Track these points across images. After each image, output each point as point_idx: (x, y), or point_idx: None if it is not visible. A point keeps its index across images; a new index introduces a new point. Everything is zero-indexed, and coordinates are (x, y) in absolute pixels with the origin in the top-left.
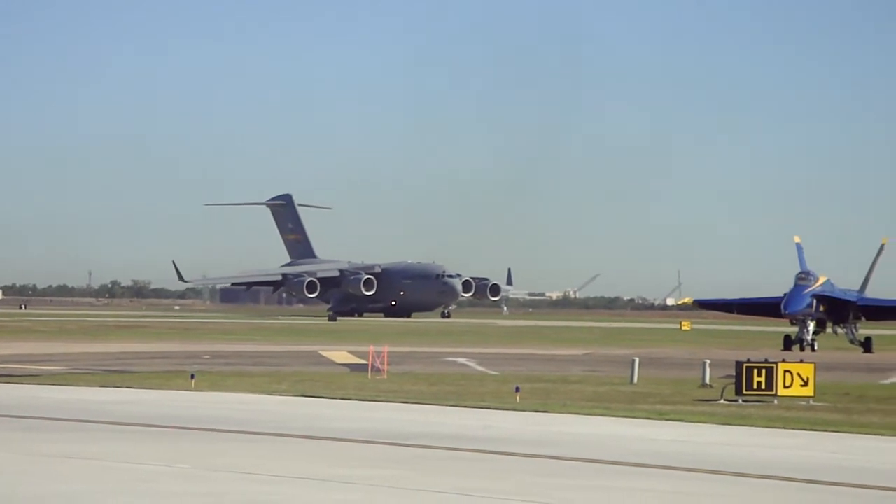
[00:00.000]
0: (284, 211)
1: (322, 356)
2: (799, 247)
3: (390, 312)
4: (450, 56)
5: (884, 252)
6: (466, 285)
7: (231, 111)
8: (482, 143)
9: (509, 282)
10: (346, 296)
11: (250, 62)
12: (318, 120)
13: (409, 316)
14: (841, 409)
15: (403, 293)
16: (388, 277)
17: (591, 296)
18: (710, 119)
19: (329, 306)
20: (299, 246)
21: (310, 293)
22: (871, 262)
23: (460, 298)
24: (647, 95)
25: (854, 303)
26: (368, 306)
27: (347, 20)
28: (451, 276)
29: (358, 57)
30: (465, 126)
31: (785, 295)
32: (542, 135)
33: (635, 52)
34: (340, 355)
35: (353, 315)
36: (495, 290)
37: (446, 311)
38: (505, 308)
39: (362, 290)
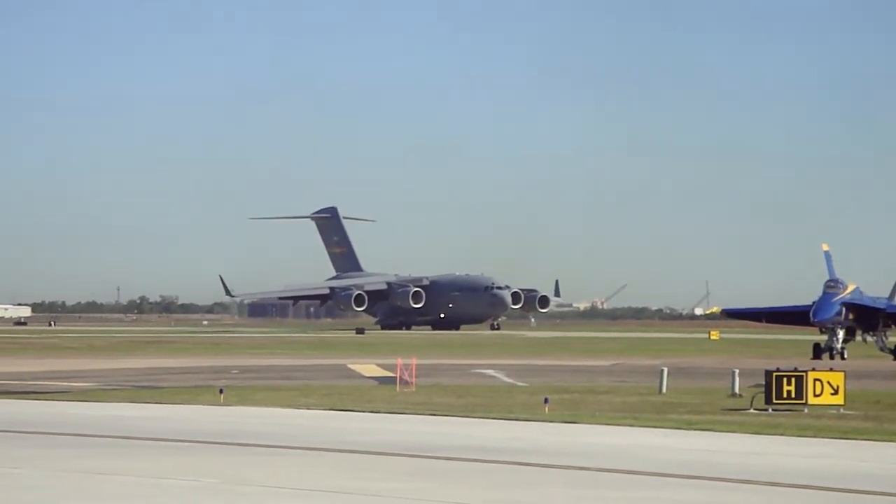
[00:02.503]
0: (330, 224)
1: (350, 369)
2: (827, 255)
3: (439, 325)
4: (488, 67)
5: None
6: (515, 297)
7: (275, 123)
8: (515, 154)
9: (557, 293)
10: (393, 308)
11: (294, 73)
12: (363, 132)
13: (457, 328)
14: (871, 418)
15: (452, 305)
16: (436, 290)
17: (619, 306)
18: (736, 126)
19: (376, 319)
20: (345, 259)
21: (358, 306)
22: None
23: (509, 310)
24: (671, 100)
25: (883, 310)
26: (417, 319)
27: (390, 33)
28: (500, 288)
29: (401, 68)
30: (501, 137)
31: (814, 303)
32: (570, 146)
33: (656, 54)
34: (369, 368)
35: (401, 328)
36: (544, 301)
37: (496, 324)
38: (532, 319)
39: (411, 302)
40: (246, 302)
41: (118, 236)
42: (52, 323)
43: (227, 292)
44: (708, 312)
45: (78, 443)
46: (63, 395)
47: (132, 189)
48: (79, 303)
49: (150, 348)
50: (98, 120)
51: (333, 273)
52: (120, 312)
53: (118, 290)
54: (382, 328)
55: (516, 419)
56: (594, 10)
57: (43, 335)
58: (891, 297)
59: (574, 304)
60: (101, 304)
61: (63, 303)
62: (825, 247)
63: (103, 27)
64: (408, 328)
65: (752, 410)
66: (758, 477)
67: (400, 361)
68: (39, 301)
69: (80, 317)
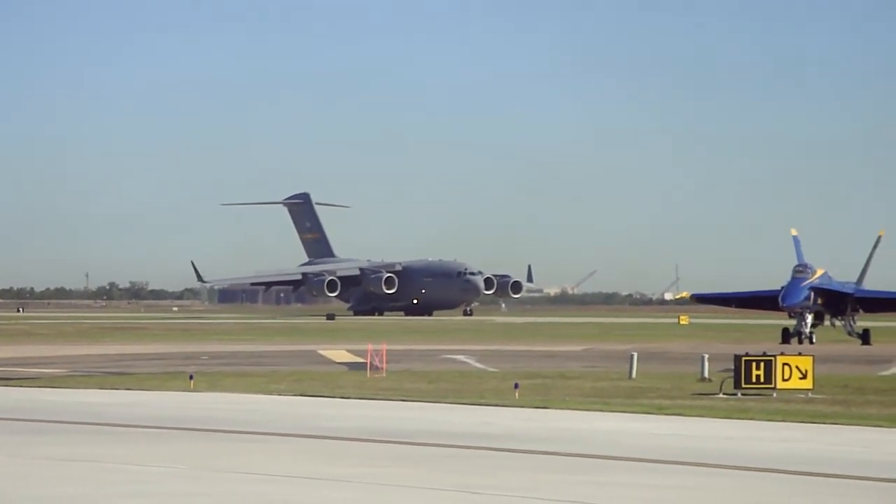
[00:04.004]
0: (302, 210)
1: (321, 355)
2: (796, 239)
3: (411, 311)
4: (461, 52)
5: (881, 244)
6: (488, 282)
7: (247, 108)
8: (487, 140)
9: (530, 278)
10: (366, 294)
11: (267, 59)
12: (335, 117)
13: (430, 314)
14: (840, 402)
15: (425, 291)
16: (408, 276)
17: (589, 292)
18: (706, 110)
19: (349, 305)
20: (317, 245)
21: (330, 292)
22: (868, 255)
23: (482, 296)
24: (642, 85)
25: (852, 295)
26: (389, 305)
27: (365, 16)
28: (472, 274)
29: (376, 53)
30: (473, 123)
31: (783, 288)
32: (538, 133)
33: (627, 40)
34: (339, 354)
35: (373, 314)
36: (517, 286)
37: (468, 309)
38: (503, 305)
39: (383, 288)
40: (217, 288)
41: (87, 222)
42: (21, 309)
43: (200, 278)
44: (677, 297)
45: (47, 429)
46: (32, 381)
47: (102, 175)
48: (47, 289)
49: (120, 334)
50: (68, 106)
51: (306, 259)
52: (89, 298)
53: (87, 276)
54: (355, 314)
55: (487, 404)
56: None
57: (11, 321)
58: (859, 282)
59: (544, 290)
60: (70, 290)
61: (32, 289)
62: (794, 231)
63: (76, 15)
64: (380, 314)
65: (721, 395)
66: (727, 461)
67: (370, 347)
68: (7, 287)
69: (48, 303)
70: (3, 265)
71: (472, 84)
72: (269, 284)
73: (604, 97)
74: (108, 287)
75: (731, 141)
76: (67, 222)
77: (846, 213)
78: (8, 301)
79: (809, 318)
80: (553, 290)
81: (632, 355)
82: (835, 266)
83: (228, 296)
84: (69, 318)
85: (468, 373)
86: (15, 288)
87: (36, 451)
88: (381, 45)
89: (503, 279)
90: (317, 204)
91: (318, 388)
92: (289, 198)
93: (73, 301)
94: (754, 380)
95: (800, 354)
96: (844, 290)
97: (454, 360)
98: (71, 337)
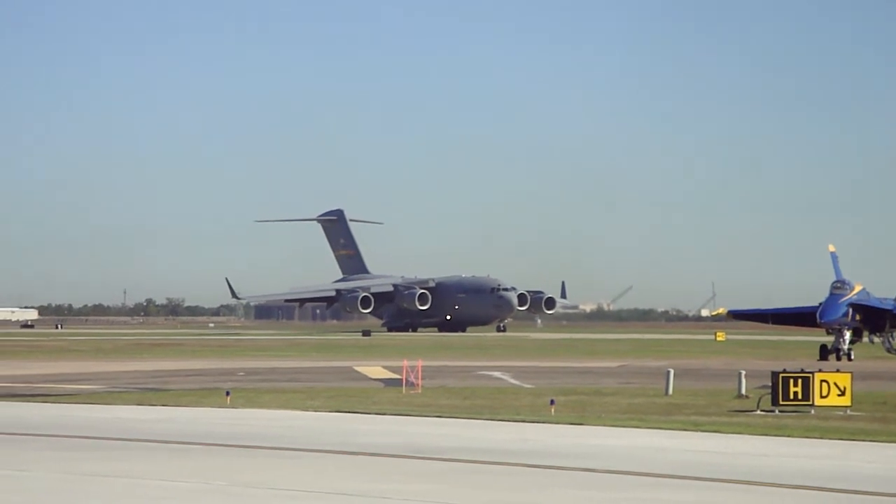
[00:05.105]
0: (336, 226)
1: (356, 371)
2: (834, 255)
3: (445, 327)
4: (493, 66)
5: None
6: (522, 298)
7: (281, 125)
8: (521, 155)
9: (563, 295)
10: (400, 311)
11: (300, 75)
12: (369, 134)
13: (464, 330)
14: (878, 419)
15: (458, 307)
16: (442, 292)
17: (625, 308)
18: (745, 127)
19: (382, 321)
20: (351, 261)
21: (364, 308)
22: None
23: (516, 312)
24: (680, 101)
25: (890, 311)
26: (423, 321)
27: (396, 34)
28: (506, 290)
29: (408, 69)
30: (506, 138)
31: (820, 304)
32: (573, 148)
33: (664, 55)
34: (374, 370)
35: (407, 330)
36: (550, 303)
37: (502, 325)
38: (539, 321)
39: (417, 304)
40: (252, 304)
41: (124, 239)
42: (59, 326)
43: (234, 295)
44: (714, 314)
45: (85, 445)
46: (70, 397)
47: (138, 192)
48: (85, 305)
49: (157, 351)
50: (103, 125)
51: (340, 275)
52: (126, 315)
53: (125, 292)
54: (389, 330)
55: (522, 421)
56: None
57: (50, 338)
58: None
59: (580, 306)
60: (108, 307)
61: (70, 305)
62: (832, 248)
63: (105, 31)
64: (414, 330)
65: (758, 412)
66: (764, 478)
67: (406, 363)
68: (46, 304)
69: (86, 319)
70: (41, 282)
71: (506, 99)
72: (303, 301)
73: (641, 112)
74: (145, 304)
75: (770, 157)
76: (105, 240)
77: (885, 230)
78: (46, 318)
79: (848, 335)
80: (589, 306)
81: (668, 371)
82: (873, 282)
83: (264, 312)
84: (107, 334)
85: (503, 389)
86: (53, 304)
87: (74, 466)
88: (413, 62)
89: (537, 295)
90: (351, 220)
91: (353, 404)
92: (323, 214)
93: (110, 318)
94: (792, 396)
95: (838, 371)
96: (883, 307)
97: (489, 377)
98: (108, 353)
